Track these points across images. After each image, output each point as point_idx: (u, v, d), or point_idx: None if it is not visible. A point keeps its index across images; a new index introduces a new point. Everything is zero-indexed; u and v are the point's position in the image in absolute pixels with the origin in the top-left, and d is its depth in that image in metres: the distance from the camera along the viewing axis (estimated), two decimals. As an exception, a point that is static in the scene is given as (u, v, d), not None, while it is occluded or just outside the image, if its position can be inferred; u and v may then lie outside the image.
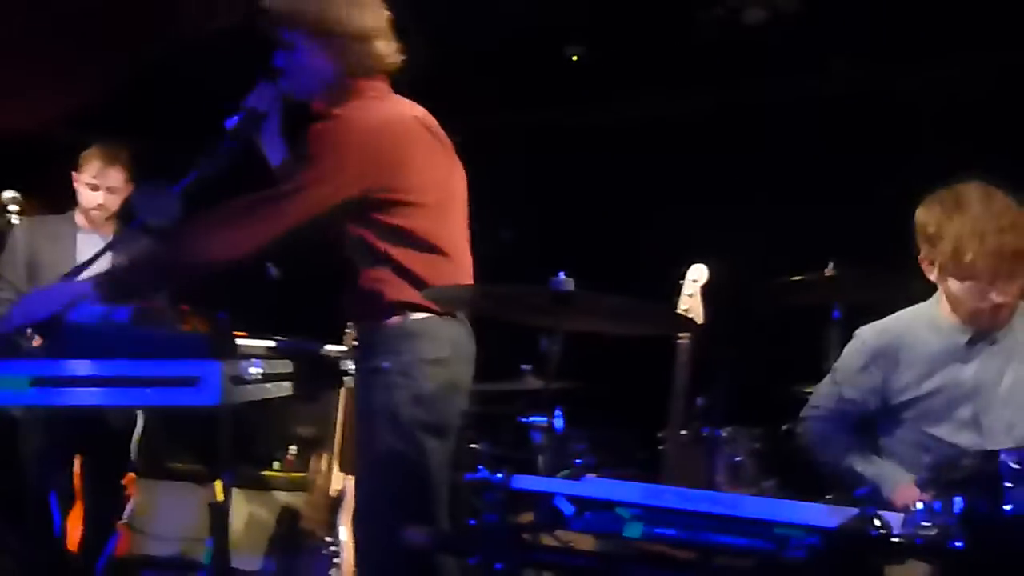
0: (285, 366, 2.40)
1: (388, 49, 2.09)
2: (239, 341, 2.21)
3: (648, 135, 4.48)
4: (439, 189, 2.12)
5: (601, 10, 3.94)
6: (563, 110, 4.71)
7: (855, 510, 1.40)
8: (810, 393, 2.47)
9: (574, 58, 4.31)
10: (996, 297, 2.02)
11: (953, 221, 1.99)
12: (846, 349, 2.33)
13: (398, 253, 2.04)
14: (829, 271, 2.89)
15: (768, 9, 3.87)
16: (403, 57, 2.12)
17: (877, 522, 1.38)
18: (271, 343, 2.36)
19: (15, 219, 3.08)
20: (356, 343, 2.22)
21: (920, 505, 1.36)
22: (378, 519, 2.01)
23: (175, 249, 2.08)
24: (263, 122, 2.19)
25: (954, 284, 2.07)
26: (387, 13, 2.10)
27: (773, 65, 4.14)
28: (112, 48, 3.93)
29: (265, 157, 2.27)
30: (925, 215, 2.09)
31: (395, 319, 2.04)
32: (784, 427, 3.12)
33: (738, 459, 3.04)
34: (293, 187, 1.99)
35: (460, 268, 2.15)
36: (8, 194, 3.04)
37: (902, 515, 1.41)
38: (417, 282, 2.03)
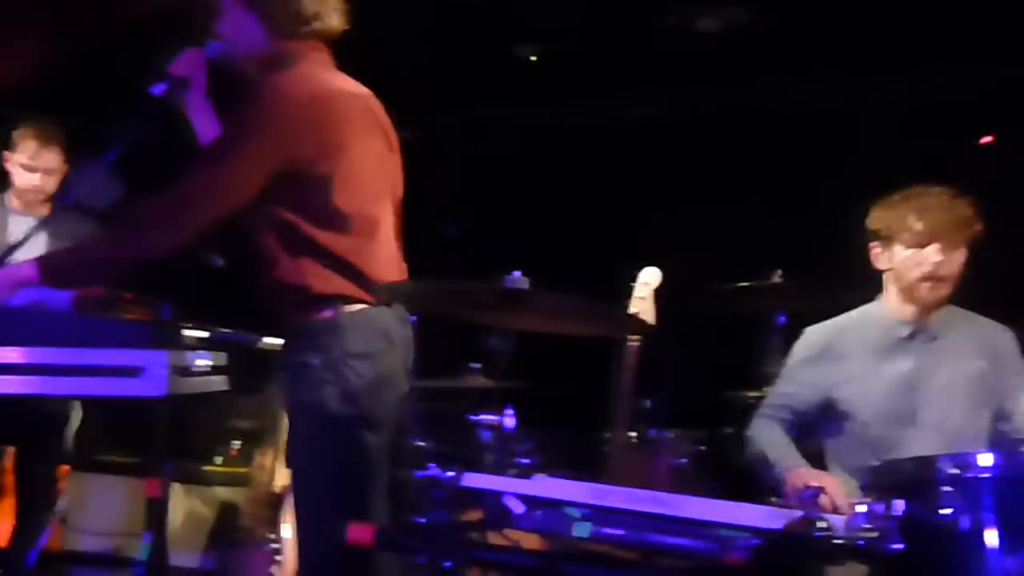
0: (223, 359, 2.33)
1: (318, 8, 1.98)
2: (187, 331, 2.16)
3: (603, 137, 4.52)
4: (373, 173, 2.03)
5: (559, 11, 3.97)
6: (518, 108, 4.72)
7: (799, 512, 1.43)
8: (754, 397, 2.51)
9: (532, 58, 4.32)
10: (936, 263, 2.16)
11: (902, 205, 2.23)
12: (794, 347, 2.39)
13: (326, 238, 1.93)
14: (776, 279, 2.96)
15: (720, 20, 3.95)
16: (343, 23, 2.02)
17: (821, 524, 1.41)
18: (205, 334, 2.29)
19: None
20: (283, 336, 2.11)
21: (863, 508, 1.39)
22: (316, 517, 1.96)
23: (114, 240, 2.04)
24: (189, 89, 2.12)
25: (899, 255, 2.21)
26: None
27: (726, 73, 4.21)
28: (44, 21, 3.80)
29: (193, 125, 2.18)
30: (876, 212, 2.28)
31: (324, 312, 1.94)
32: (727, 431, 3.18)
33: (682, 461, 3.08)
34: (215, 157, 1.93)
35: (390, 257, 2.06)
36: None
37: (845, 518, 1.45)
38: (346, 269, 1.94)
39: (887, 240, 2.24)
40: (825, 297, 2.71)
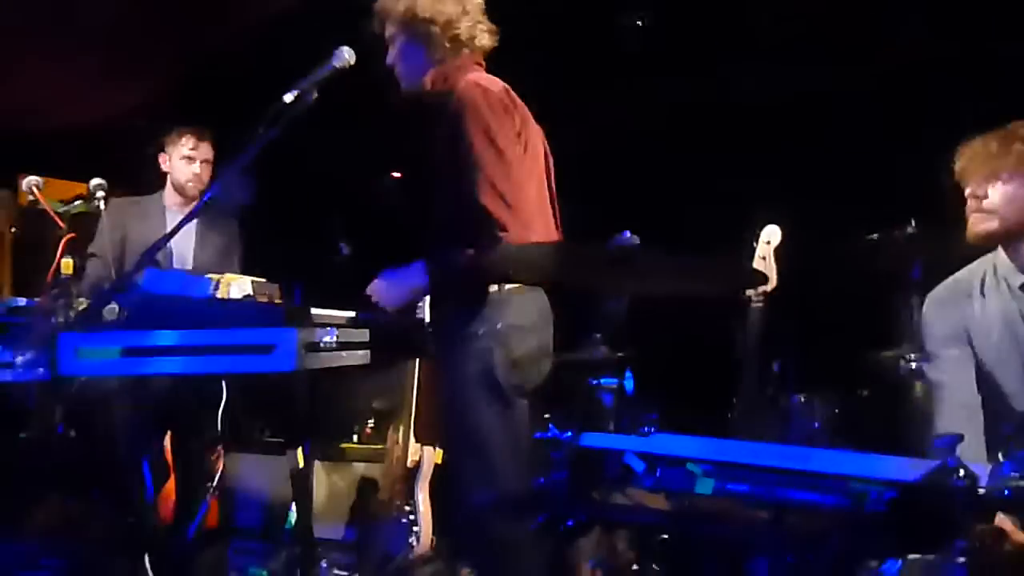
0: (360, 335, 2.46)
1: (475, 31, 2.26)
2: (315, 311, 2.28)
3: (716, 94, 4.38)
4: (532, 157, 2.25)
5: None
6: (631, 78, 4.64)
7: (936, 462, 1.35)
8: (890, 357, 2.40)
9: (639, 23, 4.26)
10: (974, 199, 2.14)
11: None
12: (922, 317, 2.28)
13: (498, 212, 2.08)
14: (910, 229, 2.79)
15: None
16: (493, 41, 2.29)
17: (961, 473, 1.33)
18: (348, 313, 2.42)
19: (102, 204, 3.23)
20: (438, 311, 2.27)
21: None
22: (471, 479, 2.08)
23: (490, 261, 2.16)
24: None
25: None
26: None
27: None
28: (181, 37, 4.05)
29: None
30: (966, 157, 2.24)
31: (491, 287, 2.11)
32: (863, 393, 3.04)
33: (815, 426, 2.97)
34: (482, 150, 2.09)
35: (548, 227, 2.26)
36: (95, 181, 3.18)
37: (988, 466, 1.36)
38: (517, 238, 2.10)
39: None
40: (964, 246, 2.54)
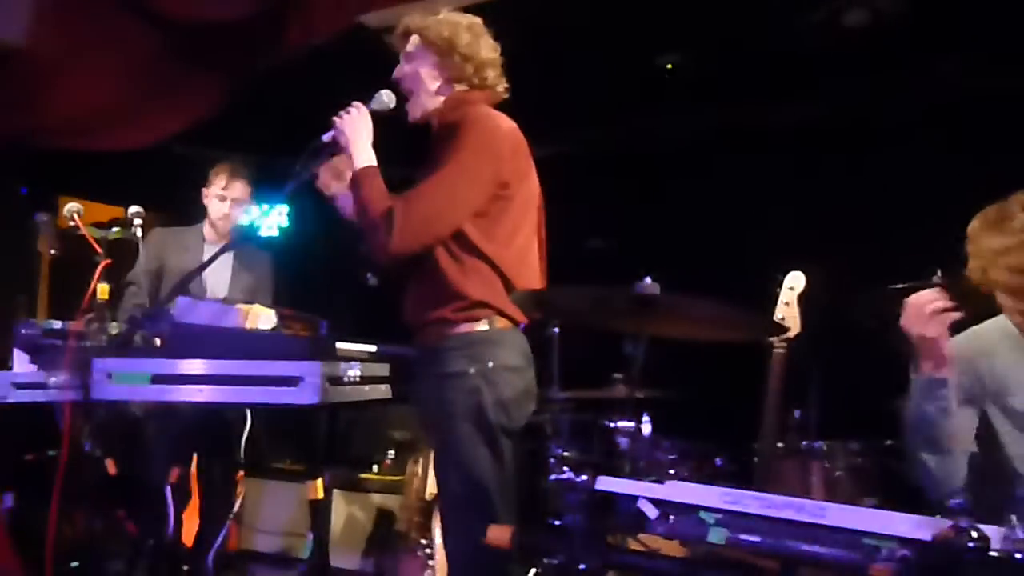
0: (382, 369, 2.50)
1: (498, 80, 2.29)
2: (339, 345, 2.32)
3: (745, 140, 4.41)
4: (533, 198, 2.25)
5: (696, 18, 3.92)
6: (657, 118, 4.69)
7: (949, 521, 1.35)
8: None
9: (668, 67, 4.29)
10: None
11: (984, 237, 2.10)
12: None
13: (492, 250, 2.11)
14: (937, 279, 2.78)
15: (870, 10, 3.75)
16: (506, 92, 2.31)
17: (974, 534, 1.33)
18: (371, 347, 2.46)
19: (139, 232, 3.32)
20: (424, 349, 2.22)
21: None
22: (463, 519, 2.06)
23: (371, 226, 2.13)
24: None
25: (1000, 297, 2.10)
26: (498, 53, 2.29)
27: (878, 68, 4.01)
28: (223, 68, 4.16)
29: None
30: (969, 229, 2.17)
31: (479, 325, 2.10)
32: (887, 443, 3.01)
33: (837, 474, 2.95)
34: (452, 177, 2.08)
35: (535, 270, 2.24)
36: (133, 209, 3.28)
37: (1002, 529, 1.35)
38: (503, 281, 2.11)
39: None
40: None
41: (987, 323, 2.24)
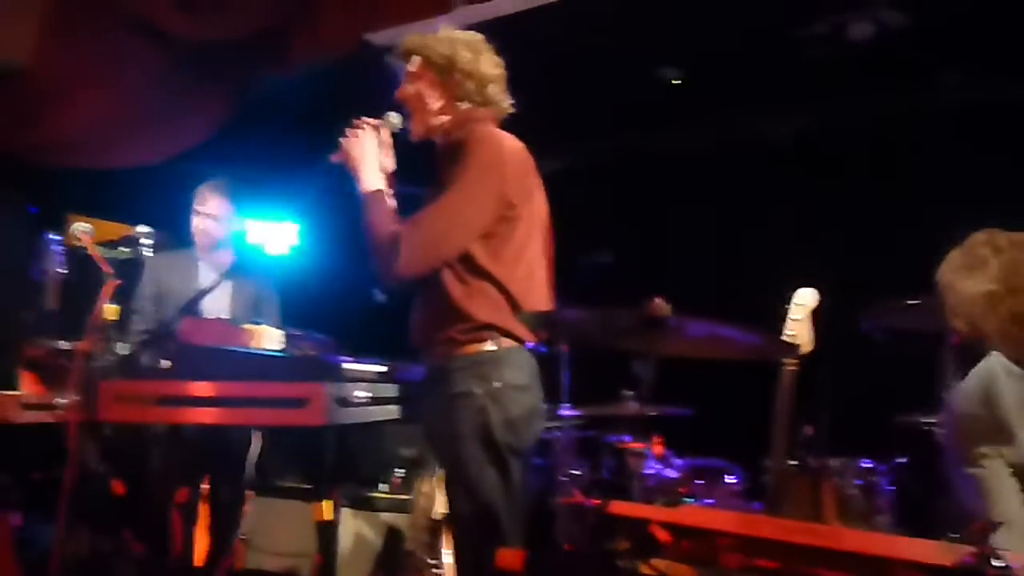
0: (391, 390, 2.48)
1: (501, 96, 2.27)
2: (348, 365, 2.30)
3: (753, 156, 4.40)
4: (540, 218, 2.24)
5: (700, 31, 3.92)
6: (665, 132, 4.68)
7: (970, 548, 1.33)
8: (929, 423, 2.34)
9: (674, 81, 4.28)
10: None
11: (962, 285, 1.95)
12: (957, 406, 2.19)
13: (499, 271, 2.09)
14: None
15: (875, 24, 3.74)
16: (512, 110, 2.29)
17: (996, 562, 1.30)
18: (379, 368, 2.44)
19: (147, 252, 3.32)
20: (431, 369, 2.21)
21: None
22: (474, 541, 2.04)
23: (380, 252, 2.13)
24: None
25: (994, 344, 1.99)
26: (502, 69, 2.28)
27: (884, 82, 4.00)
28: (230, 85, 4.17)
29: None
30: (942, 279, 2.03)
31: (487, 345, 2.09)
32: (900, 460, 2.98)
33: (849, 492, 2.91)
34: (459, 198, 2.07)
35: (543, 290, 2.22)
36: (141, 228, 3.28)
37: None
38: (510, 302, 2.10)
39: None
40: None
41: (981, 365, 2.13)
